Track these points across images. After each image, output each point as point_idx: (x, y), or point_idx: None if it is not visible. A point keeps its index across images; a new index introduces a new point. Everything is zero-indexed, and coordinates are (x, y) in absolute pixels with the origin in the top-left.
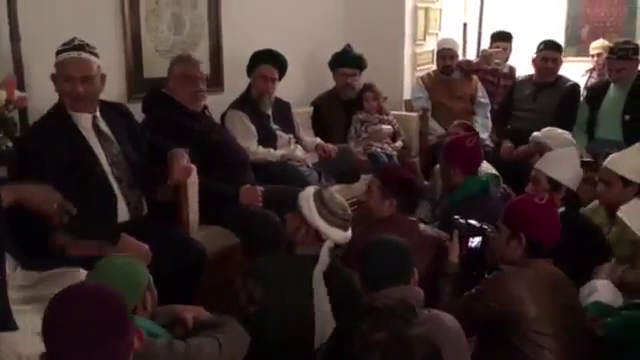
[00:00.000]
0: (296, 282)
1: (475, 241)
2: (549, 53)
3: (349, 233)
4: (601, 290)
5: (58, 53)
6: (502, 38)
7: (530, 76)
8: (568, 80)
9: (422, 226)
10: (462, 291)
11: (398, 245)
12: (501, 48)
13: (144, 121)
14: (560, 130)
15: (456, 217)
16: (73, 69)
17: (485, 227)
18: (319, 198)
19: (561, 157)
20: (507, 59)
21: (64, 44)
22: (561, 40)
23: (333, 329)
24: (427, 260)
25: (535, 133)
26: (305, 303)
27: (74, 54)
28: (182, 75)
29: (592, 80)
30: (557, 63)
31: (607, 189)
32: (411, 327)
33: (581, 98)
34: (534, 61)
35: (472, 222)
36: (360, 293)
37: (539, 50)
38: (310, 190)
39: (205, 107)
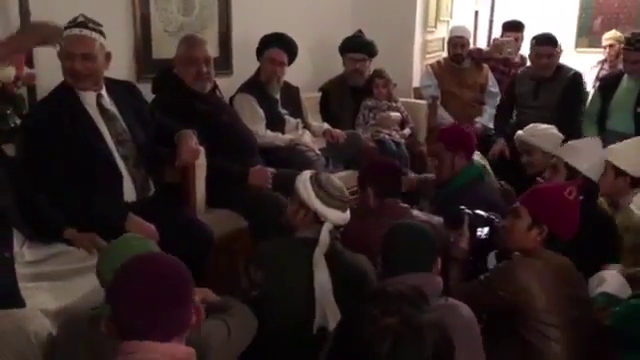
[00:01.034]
0: (296, 265)
1: (484, 231)
2: (543, 49)
3: (347, 214)
4: (609, 281)
5: (63, 30)
6: (514, 28)
7: (529, 69)
8: (570, 70)
9: (415, 212)
10: (469, 278)
11: (423, 232)
12: (512, 38)
13: (153, 101)
14: (544, 125)
15: (462, 207)
16: (73, 46)
17: (493, 217)
18: (316, 181)
19: (583, 146)
20: (519, 49)
21: (69, 21)
22: (573, 31)
23: (341, 314)
24: None
25: (519, 132)
26: (306, 286)
27: (76, 31)
28: (185, 56)
29: (604, 71)
30: (553, 58)
31: (601, 177)
32: (422, 313)
33: (591, 89)
34: (530, 57)
35: (479, 212)
36: (364, 275)
37: (532, 46)
38: (306, 173)
39: (215, 87)
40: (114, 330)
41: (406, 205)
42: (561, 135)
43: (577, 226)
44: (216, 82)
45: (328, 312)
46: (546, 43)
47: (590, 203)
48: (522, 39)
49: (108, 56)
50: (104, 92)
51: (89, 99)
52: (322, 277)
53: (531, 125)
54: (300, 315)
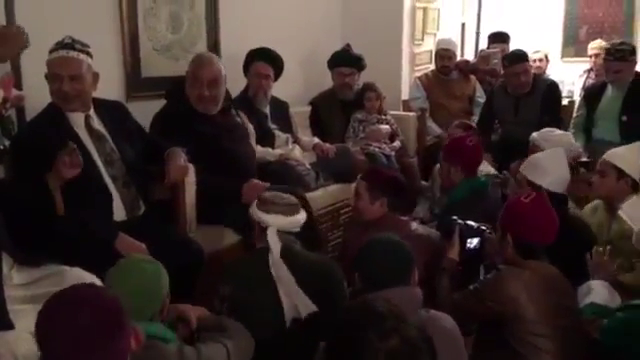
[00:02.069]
0: (258, 273)
1: (474, 242)
2: (518, 67)
3: (296, 218)
4: (598, 290)
5: (50, 52)
6: (500, 39)
7: (504, 85)
8: (545, 81)
9: (414, 225)
10: (458, 289)
11: (400, 244)
12: (499, 49)
13: (158, 112)
14: (559, 132)
15: (454, 218)
16: (60, 67)
17: (483, 228)
18: (260, 197)
19: (540, 160)
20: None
21: (56, 43)
22: (559, 40)
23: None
24: (420, 259)
25: (534, 134)
26: (271, 289)
27: (62, 52)
28: (191, 75)
29: (590, 80)
30: (528, 73)
31: (601, 180)
32: (413, 327)
33: (578, 98)
34: (505, 76)
35: (470, 223)
36: (327, 273)
37: (506, 66)
38: None
39: (230, 107)
40: None
41: (406, 218)
42: (575, 144)
43: (549, 229)
44: (231, 101)
45: (297, 302)
46: (518, 61)
47: (561, 212)
48: (508, 50)
49: (96, 77)
50: (92, 113)
51: (77, 120)
52: (281, 273)
53: (547, 129)
54: (272, 319)
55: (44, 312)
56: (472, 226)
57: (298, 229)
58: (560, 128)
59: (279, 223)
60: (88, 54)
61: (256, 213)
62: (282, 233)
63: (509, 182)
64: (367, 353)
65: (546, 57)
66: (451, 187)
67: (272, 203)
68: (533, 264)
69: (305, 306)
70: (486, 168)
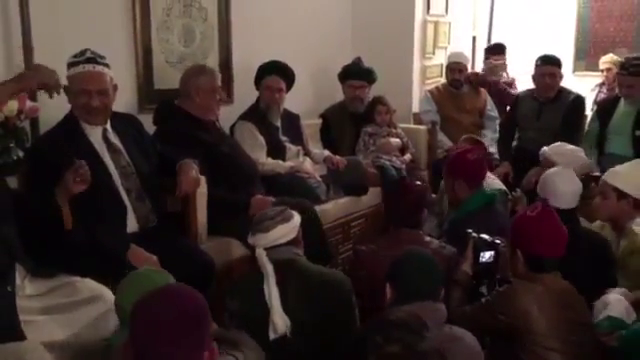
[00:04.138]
0: (258, 290)
1: (486, 256)
2: (547, 68)
3: (275, 232)
4: (614, 304)
5: (71, 65)
6: (500, 51)
7: (531, 91)
8: (570, 93)
9: (427, 238)
10: (470, 301)
11: (433, 260)
12: (503, 61)
13: (155, 133)
14: (571, 146)
15: (469, 231)
16: (89, 83)
17: (497, 242)
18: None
19: (550, 178)
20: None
21: (75, 56)
22: (570, 54)
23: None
24: None
25: (544, 148)
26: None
27: (89, 67)
28: (211, 88)
29: (602, 95)
30: (556, 78)
31: (603, 202)
32: (423, 341)
33: (590, 112)
34: (533, 77)
35: (484, 236)
36: (333, 285)
37: (537, 66)
38: None
39: (216, 119)
40: (130, 356)
41: (420, 232)
42: (586, 159)
43: (558, 242)
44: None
45: (276, 318)
46: (550, 63)
47: (575, 227)
48: (506, 60)
49: (115, 88)
50: (108, 126)
51: (95, 133)
52: (269, 291)
53: (558, 143)
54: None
55: (139, 300)
56: (486, 239)
57: (286, 239)
58: (579, 142)
59: (261, 242)
60: (108, 66)
61: (249, 238)
62: (279, 247)
63: (521, 200)
64: (371, 351)
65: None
66: (457, 202)
67: (255, 223)
68: (545, 278)
69: (282, 321)
70: (494, 183)
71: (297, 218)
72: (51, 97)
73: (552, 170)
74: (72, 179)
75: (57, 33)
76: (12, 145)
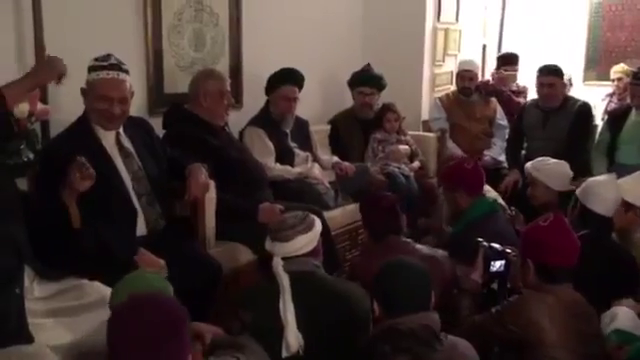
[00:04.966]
0: (274, 301)
1: (496, 265)
2: (545, 79)
3: (294, 243)
4: (621, 317)
5: (92, 69)
6: (511, 62)
7: (536, 101)
8: (577, 101)
9: (418, 245)
10: (480, 311)
11: (416, 267)
12: (513, 71)
13: (165, 136)
14: (553, 160)
15: (479, 240)
16: (112, 90)
17: (508, 251)
18: (270, 224)
19: (594, 183)
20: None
21: (97, 59)
22: (581, 64)
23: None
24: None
25: (527, 164)
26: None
27: (113, 74)
28: (219, 92)
29: (612, 104)
30: (555, 88)
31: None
32: (434, 352)
33: (600, 122)
34: (536, 87)
35: (495, 245)
36: (348, 299)
37: (537, 76)
38: None
39: (225, 123)
40: None
41: (409, 240)
42: (569, 172)
43: (570, 251)
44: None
45: (290, 336)
46: (548, 73)
47: (600, 237)
48: (518, 71)
49: (132, 95)
50: (121, 130)
51: (108, 137)
52: (284, 306)
53: (540, 159)
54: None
55: (116, 308)
56: (497, 249)
57: (306, 250)
58: (588, 150)
59: (280, 252)
60: (128, 73)
61: (266, 244)
62: (296, 258)
63: (518, 218)
64: None
65: (570, 81)
66: (460, 212)
67: (274, 230)
68: (556, 289)
69: (295, 338)
70: (491, 194)
71: (318, 226)
72: (60, 83)
73: (597, 177)
74: (77, 177)
75: (69, 35)
76: (23, 147)
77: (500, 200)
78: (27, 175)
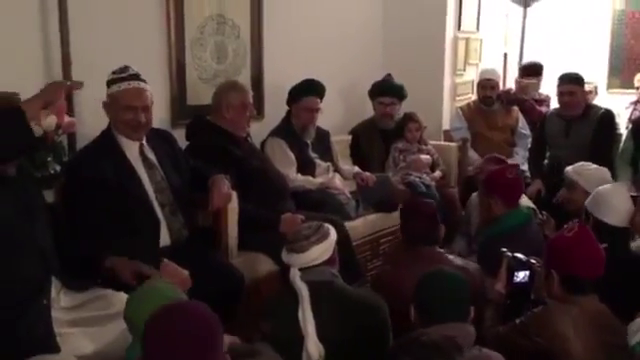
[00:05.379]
0: (293, 311)
1: (520, 276)
2: (565, 87)
3: (310, 253)
4: None
5: (112, 82)
6: (533, 72)
7: (558, 110)
8: (600, 109)
9: (450, 256)
10: (504, 322)
11: (458, 280)
12: (535, 80)
13: (188, 147)
14: (594, 166)
15: (504, 250)
16: (135, 99)
17: (533, 261)
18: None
19: (603, 193)
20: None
21: (115, 72)
22: (604, 71)
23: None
24: None
25: (568, 168)
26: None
27: (134, 84)
28: (241, 104)
29: (637, 113)
30: (576, 96)
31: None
32: None
33: (624, 130)
34: (557, 96)
35: (519, 256)
36: (369, 309)
37: (557, 85)
38: None
39: (247, 134)
40: None
41: (442, 250)
42: (610, 179)
43: (596, 262)
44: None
45: (310, 346)
46: (568, 82)
47: (617, 250)
48: (541, 80)
49: (152, 103)
50: (145, 141)
51: (132, 149)
52: (304, 316)
53: (581, 163)
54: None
55: (153, 316)
56: (521, 259)
57: (322, 259)
58: (611, 156)
59: (296, 263)
60: (146, 83)
61: (282, 255)
62: (313, 268)
63: (549, 223)
64: None
65: (595, 89)
66: (492, 220)
67: (290, 241)
68: (581, 300)
69: (315, 348)
70: (523, 201)
71: (333, 235)
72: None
73: (605, 186)
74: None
75: (95, 49)
76: (49, 159)
77: (531, 204)
78: (54, 187)
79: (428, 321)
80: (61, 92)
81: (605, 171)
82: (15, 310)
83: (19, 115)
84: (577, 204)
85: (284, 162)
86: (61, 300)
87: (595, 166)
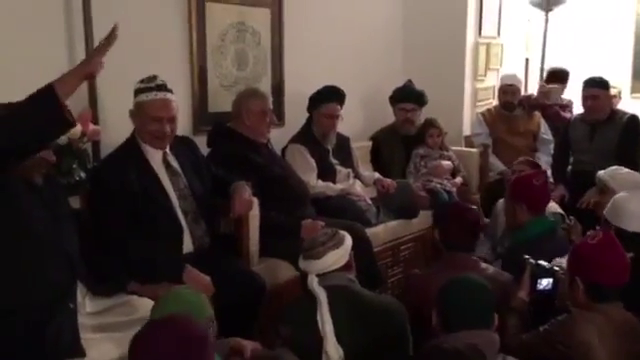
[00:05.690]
0: (312, 316)
1: (543, 283)
2: (589, 91)
3: (326, 259)
4: None
5: (139, 91)
6: (558, 79)
7: (582, 114)
8: (625, 113)
9: (483, 265)
10: (528, 330)
11: (482, 287)
12: (558, 86)
13: (209, 154)
14: (626, 170)
15: (527, 257)
16: (161, 110)
17: (556, 269)
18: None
19: (621, 200)
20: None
21: (143, 81)
22: (628, 76)
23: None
24: None
25: (600, 172)
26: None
27: (161, 95)
28: (261, 111)
29: None
30: (599, 100)
31: None
32: None
33: None
34: (581, 100)
35: (542, 263)
36: (386, 312)
37: (582, 89)
38: None
39: (268, 140)
40: None
41: (476, 258)
42: None
43: (621, 270)
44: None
45: (329, 348)
46: (592, 85)
47: None
48: (566, 87)
49: (177, 114)
50: (168, 149)
51: (156, 156)
52: (322, 319)
53: (614, 167)
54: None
55: (137, 335)
56: (544, 266)
57: (338, 265)
58: (636, 161)
59: (313, 269)
60: (172, 92)
61: (299, 263)
62: (332, 274)
63: (576, 228)
64: None
65: (619, 94)
66: (517, 226)
67: (306, 248)
68: (606, 308)
69: (335, 350)
70: (551, 206)
71: (348, 242)
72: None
73: (622, 193)
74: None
75: (118, 56)
76: (75, 166)
77: (559, 210)
78: (79, 194)
79: (448, 327)
80: (98, 60)
81: (637, 175)
82: (43, 313)
83: (51, 96)
84: None
85: (305, 168)
86: (86, 305)
87: (627, 170)
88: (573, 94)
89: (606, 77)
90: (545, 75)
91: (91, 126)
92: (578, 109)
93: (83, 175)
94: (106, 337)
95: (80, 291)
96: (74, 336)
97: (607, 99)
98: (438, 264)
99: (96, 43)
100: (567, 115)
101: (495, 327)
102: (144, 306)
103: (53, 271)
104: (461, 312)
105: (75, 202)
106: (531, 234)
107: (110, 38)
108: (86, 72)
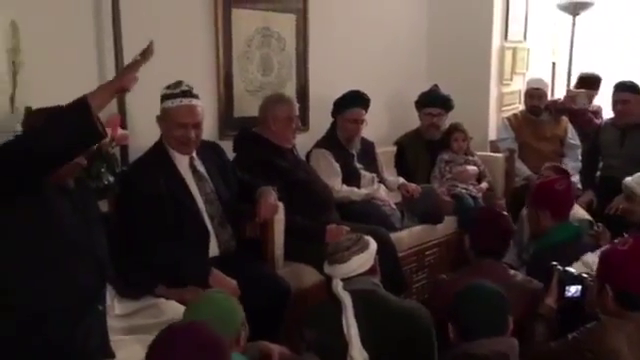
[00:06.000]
0: (337, 321)
1: (571, 290)
2: (618, 95)
3: (351, 263)
4: None
5: (165, 97)
6: (587, 85)
7: (612, 119)
8: None
9: (511, 272)
10: (556, 337)
11: (496, 293)
12: (585, 91)
13: (235, 159)
14: None
15: (554, 263)
16: (186, 116)
17: (584, 275)
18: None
19: None
20: (591, 101)
21: (169, 87)
22: None
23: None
24: (519, 307)
25: (627, 179)
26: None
27: (186, 101)
28: (288, 117)
29: None
30: (630, 104)
31: None
32: None
33: None
34: (612, 104)
35: (570, 270)
36: (410, 318)
37: (612, 93)
38: None
39: (293, 145)
40: None
41: (504, 265)
42: None
43: None
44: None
45: (354, 353)
46: (622, 90)
47: None
48: (597, 93)
49: (203, 119)
50: (194, 154)
51: (183, 161)
52: (347, 323)
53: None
54: None
55: (156, 339)
56: (572, 273)
57: (363, 269)
58: None
59: (338, 273)
60: (198, 98)
61: (324, 267)
62: (357, 278)
63: (604, 235)
64: None
65: None
66: (541, 233)
67: (330, 253)
68: (637, 316)
69: (358, 356)
70: (578, 212)
71: (373, 246)
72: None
73: None
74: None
75: (147, 63)
76: (103, 170)
77: (588, 216)
78: (107, 197)
79: (466, 336)
80: (132, 76)
81: None
82: (73, 315)
83: (83, 108)
84: (638, 215)
85: (329, 173)
86: (115, 308)
87: None
88: (601, 99)
89: (637, 81)
90: (576, 80)
91: (119, 130)
92: (607, 114)
93: (111, 179)
94: (134, 339)
95: (109, 294)
96: (103, 338)
97: (638, 103)
98: (466, 269)
99: (126, 57)
100: (597, 121)
101: (510, 332)
102: (171, 309)
103: (83, 274)
104: (474, 321)
105: (103, 206)
106: (555, 240)
107: (146, 53)
108: (119, 87)
